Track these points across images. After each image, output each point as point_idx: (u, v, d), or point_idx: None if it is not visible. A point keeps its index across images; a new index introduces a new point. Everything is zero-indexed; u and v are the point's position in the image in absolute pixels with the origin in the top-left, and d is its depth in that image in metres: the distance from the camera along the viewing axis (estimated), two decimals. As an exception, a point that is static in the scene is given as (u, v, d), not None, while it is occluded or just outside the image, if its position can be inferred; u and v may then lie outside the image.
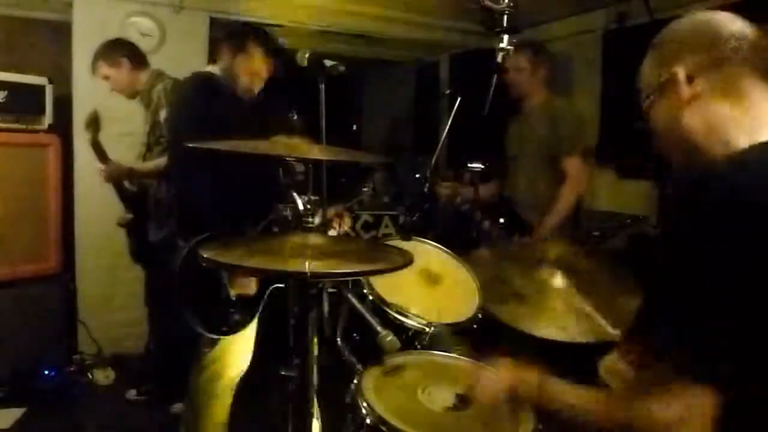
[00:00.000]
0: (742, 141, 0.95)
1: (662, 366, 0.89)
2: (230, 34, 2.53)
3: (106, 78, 2.97)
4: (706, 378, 0.84)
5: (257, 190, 2.19)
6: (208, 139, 1.28)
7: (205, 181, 2.07)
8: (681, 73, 1.02)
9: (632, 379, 1.18)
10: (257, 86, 2.52)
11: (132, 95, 3.04)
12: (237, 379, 2.20)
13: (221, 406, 2.17)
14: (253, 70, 2.47)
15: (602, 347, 1.48)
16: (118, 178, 2.99)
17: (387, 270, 1.16)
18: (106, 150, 2.92)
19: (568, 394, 1.07)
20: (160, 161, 2.85)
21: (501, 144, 3.10)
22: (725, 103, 0.99)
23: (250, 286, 2.00)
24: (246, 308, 2.05)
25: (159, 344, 3.21)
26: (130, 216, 3.04)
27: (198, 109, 2.21)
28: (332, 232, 2.19)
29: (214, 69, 2.48)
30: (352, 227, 2.79)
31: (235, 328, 2.06)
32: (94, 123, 2.85)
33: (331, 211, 2.30)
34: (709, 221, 0.85)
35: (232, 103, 2.37)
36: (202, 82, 2.39)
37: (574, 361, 1.52)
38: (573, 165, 2.75)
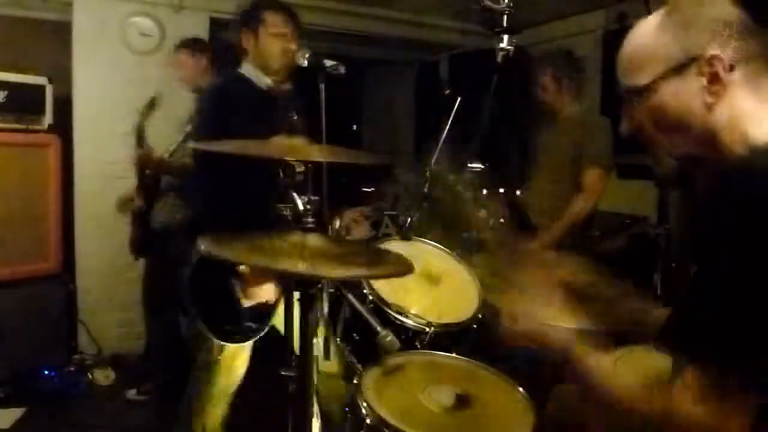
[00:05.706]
0: (760, 137, 0.89)
1: (697, 374, 0.81)
2: (242, 15, 2.16)
3: (182, 64, 3.04)
4: (749, 387, 0.78)
5: (258, 190, 2.17)
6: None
7: (227, 182, 2.00)
8: (723, 58, 0.90)
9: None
10: (290, 62, 2.11)
11: (194, 88, 3.04)
12: (234, 386, 2.19)
13: (217, 411, 2.16)
14: (277, 45, 2.09)
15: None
16: (145, 164, 2.97)
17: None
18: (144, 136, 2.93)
19: (609, 372, 0.98)
20: (188, 162, 2.80)
21: (527, 149, 3.11)
22: (751, 99, 0.92)
23: (267, 294, 1.93)
24: (260, 317, 2.02)
25: (156, 343, 3.21)
26: (141, 203, 3.02)
27: (219, 120, 2.05)
28: (351, 237, 2.15)
29: (245, 67, 2.15)
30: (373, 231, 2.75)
31: (247, 337, 1.99)
32: (151, 107, 2.89)
33: (349, 215, 2.27)
34: (755, 219, 0.78)
35: (261, 105, 2.10)
36: (223, 90, 2.15)
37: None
38: (593, 177, 2.74)
